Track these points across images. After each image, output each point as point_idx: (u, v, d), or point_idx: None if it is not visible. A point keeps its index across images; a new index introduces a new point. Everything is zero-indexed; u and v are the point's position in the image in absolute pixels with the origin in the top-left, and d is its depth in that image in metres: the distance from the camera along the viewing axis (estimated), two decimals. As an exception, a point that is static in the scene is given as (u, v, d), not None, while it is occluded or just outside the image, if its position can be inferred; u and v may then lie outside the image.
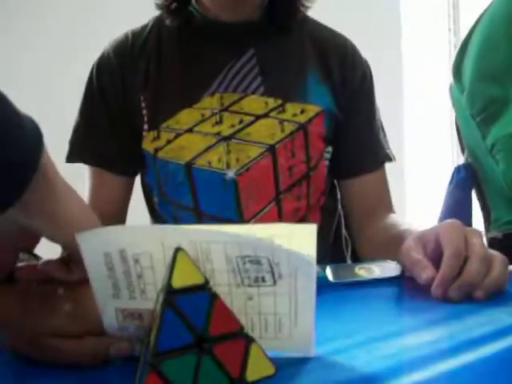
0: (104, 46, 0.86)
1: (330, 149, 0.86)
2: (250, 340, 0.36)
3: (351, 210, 0.90)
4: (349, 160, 0.88)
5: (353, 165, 0.88)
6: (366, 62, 0.90)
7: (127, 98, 0.82)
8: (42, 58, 2.53)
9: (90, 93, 0.84)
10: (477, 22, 1.05)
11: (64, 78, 2.52)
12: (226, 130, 0.79)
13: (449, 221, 0.60)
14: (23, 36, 2.55)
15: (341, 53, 0.86)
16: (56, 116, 2.54)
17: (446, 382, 0.37)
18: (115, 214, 0.85)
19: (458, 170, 1.16)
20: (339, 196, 0.94)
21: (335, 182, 0.92)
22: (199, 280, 0.35)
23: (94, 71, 0.84)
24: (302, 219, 0.83)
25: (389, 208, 0.88)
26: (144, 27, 0.86)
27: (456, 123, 1.21)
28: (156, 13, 0.85)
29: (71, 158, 0.85)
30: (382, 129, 0.90)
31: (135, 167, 0.86)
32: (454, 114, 1.22)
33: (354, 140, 0.87)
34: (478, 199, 1.17)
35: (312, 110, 0.81)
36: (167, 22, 0.82)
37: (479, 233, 0.59)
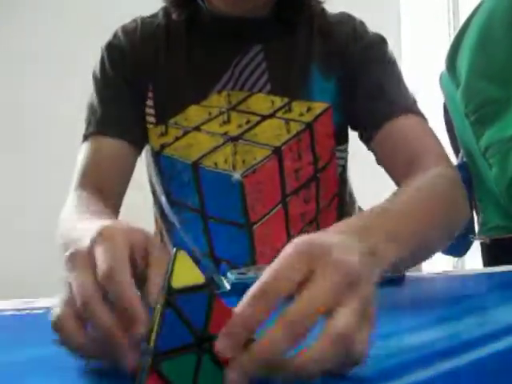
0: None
1: (344, 147, 0.84)
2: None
3: (388, 170, 0.79)
4: (366, 113, 0.79)
5: (371, 116, 0.78)
6: (375, 34, 0.83)
7: (136, 81, 0.81)
8: (41, 56, 2.53)
9: (103, 70, 0.82)
10: (475, 11, 1.01)
11: (65, 75, 2.52)
12: (233, 131, 0.79)
13: (305, 238, 0.38)
14: (24, 28, 2.55)
15: (348, 37, 0.81)
16: (58, 112, 2.54)
17: (446, 381, 0.37)
18: (115, 183, 0.80)
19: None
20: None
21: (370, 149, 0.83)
22: (199, 280, 0.35)
23: (105, 50, 0.83)
24: (311, 222, 0.82)
25: (437, 158, 0.73)
26: (153, 17, 0.85)
27: (445, 119, 1.17)
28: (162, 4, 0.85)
29: (92, 132, 0.80)
30: (405, 88, 0.82)
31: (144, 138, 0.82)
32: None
33: (367, 93, 0.79)
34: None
35: (319, 106, 0.80)
36: (174, 15, 0.81)
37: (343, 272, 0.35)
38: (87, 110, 0.82)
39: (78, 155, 0.80)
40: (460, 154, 1.14)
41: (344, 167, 0.85)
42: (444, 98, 1.13)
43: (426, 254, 0.59)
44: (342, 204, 0.87)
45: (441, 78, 1.10)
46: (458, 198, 0.67)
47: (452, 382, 0.36)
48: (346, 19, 0.85)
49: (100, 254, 0.39)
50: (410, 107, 0.79)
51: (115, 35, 0.83)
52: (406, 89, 0.82)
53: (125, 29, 0.84)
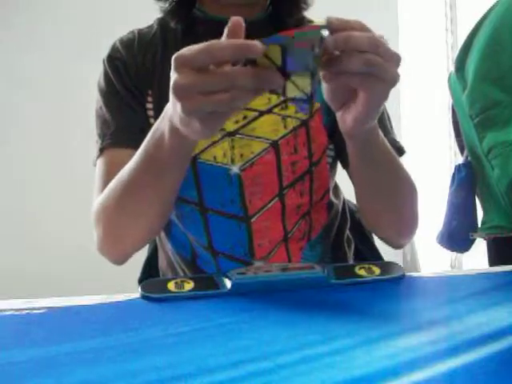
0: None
1: (332, 147, 0.85)
2: None
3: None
4: None
5: None
6: None
7: (137, 89, 0.81)
8: (40, 59, 2.53)
9: (108, 82, 0.82)
10: (484, 18, 1.02)
11: (63, 78, 2.52)
12: (230, 126, 0.79)
13: None
14: (23, 36, 2.55)
15: None
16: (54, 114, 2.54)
17: (446, 382, 0.37)
18: None
19: (458, 169, 1.15)
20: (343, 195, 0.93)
21: (337, 180, 0.91)
22: None
23: (106, 62, 0.83)
24: (305, 215, 0.83)
25: None
26: (149, 28, 0.86)
27: (453, 119, 1.19)
28: (158, 13, 0.85)
29: (108, 145, 0.80)
30: (389, 120, 0.87)
31: None
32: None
33: None
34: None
35: (313, 106, 0.81)
36: (172, 24, 0.82)
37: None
38: (98, 122, 0.82)
39: (97, 168, 0.80)
40: (465, 153, 1.15)
41: (331, 165, 0.86)
42: (451, 98, 1.14)
43: (386, 184, 0.74)
44: (331, 202, 0.88)
45: (449, 79, 1.11)
46: (416, 206, 0.81)
47: (452, 382, 0.36)
48: None
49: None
50: (392, 142, 0.82)
51: (113, 47, 0.84)
52: (389, 120, 0.86)
53: (122, 40, 0.84)
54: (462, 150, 1.19)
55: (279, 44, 0.49)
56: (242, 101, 0.51)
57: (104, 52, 0.85)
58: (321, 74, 0.54)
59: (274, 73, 0.50)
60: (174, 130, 0.60)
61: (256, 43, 0.49)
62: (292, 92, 0.51)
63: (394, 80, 0.54)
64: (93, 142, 0.83)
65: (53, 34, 2.54)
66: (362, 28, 0.53)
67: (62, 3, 2.55)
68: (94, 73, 0.87)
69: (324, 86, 0.58)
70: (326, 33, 0.51)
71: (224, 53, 0.49)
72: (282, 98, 0.80)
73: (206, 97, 0.50)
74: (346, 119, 0.59)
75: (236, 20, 0.51)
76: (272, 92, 0.53)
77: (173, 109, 0.56)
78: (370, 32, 0.53)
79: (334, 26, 0.51)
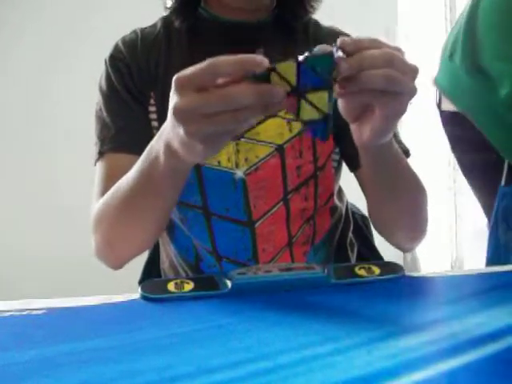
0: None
1: (337, 150, 0.85)
2: None
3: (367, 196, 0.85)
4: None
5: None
6: None
7: (139, 91, 0.81)
8: (36, 56, 2.53)
9: (110, 83, 0.81)
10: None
11: (59, 77, 2.52)
12: None
13: None
14: (18, 32, 2.55)
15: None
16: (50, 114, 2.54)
17: (446, 382, 0.37)
18: None
19: (502, 195, 0.95)
20: (346, 199, 0.93)
21: (340, 183, 0.90)
22: None
23: (108, 62, 0.82)
24: (309, 220, 0.83)
25: None
26: (152, 27, 0.85)
27: (450, 128, 1.08)
28: (160, 13, 0.85)
29: (108, 150, 0.79)
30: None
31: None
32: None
33: None
34: None
35: None
36: (176, 23, 0.82)
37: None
38: (98, 124, 0.81)
39: (96, 172, 0.80)
40: (504, 172, 0.97)
41: (336, 169, 0.86)
42: (454, 104, 1.03)
43: (398, 188, 0.74)
44: (335, 206, 0.88)
45: (436, 80, 1.06)
46: (426, 209, 0.81)
47: (452, 382, 0.36)
48: (338, 31, 0.87)
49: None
50: (398, 145, 0.81)
51: (116, 47, 0.83)
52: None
53: (125, 40, 0.84)
54: (462, 166, 1.07)
55: (294, 61, 0.47)
56: (247, 120, 0.50)
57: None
58: (335, 91, 0.52)
59: (278, 88, 0.48)
60: (170, 152, 0.58)
61: (260, 57, 0.47)
62: (308, 114, 0.49)
63: (411, 93, 0.53)
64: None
65: (36, 34, 2.54)
66: (375, 44, 0.52)
67: (46, 3, 2.54)
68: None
69: (339, 100, 0.58)
70: (339, 53, 0.49)
71: (227, 68, 0.48)
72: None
73: (208, 119, 0.49)
74: (362, 132, 0.58)
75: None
76: (288, 113, 0.51)
77: (172, 132, 0.55)
78: (383, 46, 0.52)
79: (347, 50, 0.50)
